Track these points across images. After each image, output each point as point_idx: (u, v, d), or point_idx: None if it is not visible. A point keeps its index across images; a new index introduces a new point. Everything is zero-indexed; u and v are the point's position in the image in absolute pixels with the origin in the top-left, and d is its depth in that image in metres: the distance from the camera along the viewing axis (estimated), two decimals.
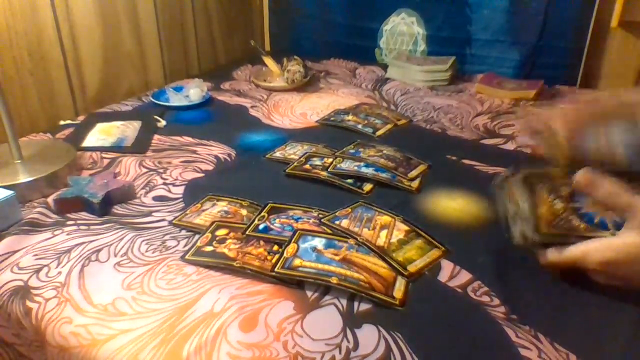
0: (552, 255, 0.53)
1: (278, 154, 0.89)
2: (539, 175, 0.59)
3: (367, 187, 0.76)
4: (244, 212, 0.69)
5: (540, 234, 0.53)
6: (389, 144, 0.90)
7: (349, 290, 0.53)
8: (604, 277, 0.51)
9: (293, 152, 0.89)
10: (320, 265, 0.56)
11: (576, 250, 0.51)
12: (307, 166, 0.82)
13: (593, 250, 0.50)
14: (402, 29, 1.46)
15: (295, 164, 0.83)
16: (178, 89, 1.19)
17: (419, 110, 1.13)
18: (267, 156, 0.88)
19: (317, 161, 0.84)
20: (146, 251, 0.62)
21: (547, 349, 0.47)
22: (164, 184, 0.79)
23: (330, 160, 0.83)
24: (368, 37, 1.51)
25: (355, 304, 0.53)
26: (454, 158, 0.88)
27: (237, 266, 0.57)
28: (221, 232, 0.63)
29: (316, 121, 1.06)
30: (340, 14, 1.52)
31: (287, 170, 0.81)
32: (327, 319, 0.51)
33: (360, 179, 0.78)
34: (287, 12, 1.63)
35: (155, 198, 0.75)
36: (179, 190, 0.77)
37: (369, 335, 0.49)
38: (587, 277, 0.55)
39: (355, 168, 0.80)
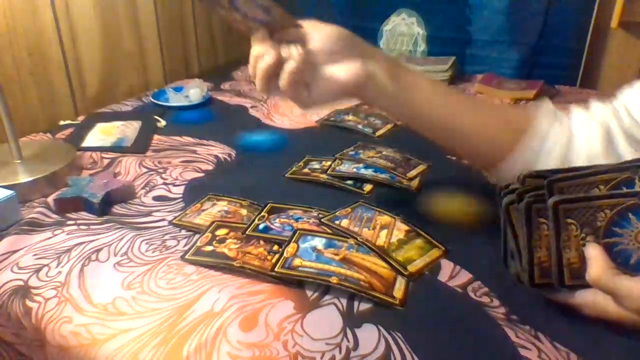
0: (551, 296, 0.51)
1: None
2: (573, 206, 0.45)
3: (368, 187, 0.76)
4: (244, 211, 0.69)
5: (563, 288, 0.46)
6: (389, 145, 0.90)
7: (349, 290, 0.53)
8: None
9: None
10: (320, 265, 0.56)
11: (579, 299, 0.47)
12: (306, 170, 0.82)
13: (592, 306, 0.46)
14: (402, 30, 1.46)
15: (294, 168, 0.83)
16: (178, 89, 1.19)
17: None
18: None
19: (315, 164, 0.84)
20: (146, 251, 0.62)
21: (547, 348, 0.47)
22: (164, 183, 0.79)
23: (329, 163, 0.83)
24: (368, 38, 1.48)
25: (355, 303, 0.53)
26: (454, 158, 0.88)
27: (237, 266, 0.57)
28: (221, 232, 0.63)
29: (316, 121, 1.06)
30: (340, 14, 1.52)
31: (286, 175, 0.81)
32: (327, 319, 0.51)
33: (360, 179, 0.78)
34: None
35: (155, 198, 0.75)
36: (179, 190, 0.77)
37: (369, 335, 0.49)
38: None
39: (355, 170, 0.80)
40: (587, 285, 0.45)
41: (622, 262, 0.45)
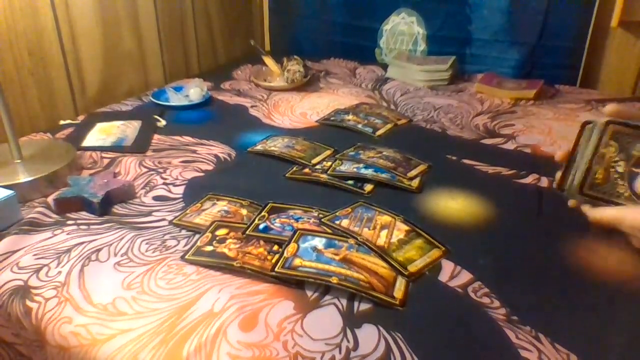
0: (592, 213, 0.54)
1: (259, 147, 0.92)
2: (622, 129, 0.53)
3: (368, 187, 0.76)
4: (244, 211, 0.69)
5: (579, 195, 0.54)
6: (389, 145, 0.90)
7: (349, 290, 0.53)
8: (637, 241, 0.53)
9: (274, 144, 0.91)
10: (320, 265, 0.56)
11: (614, 213, 0.52)
12: (306, 170, 0.82)
13: (629, 213, 0.51)
14: (402, 29, 1.45)
15: (294, 168, 0.83)
16: (178, 89, 1.19)
17: (419, 110, 1.13)
18: (249, 150, 0.91)
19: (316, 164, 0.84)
20: (146, 251, 0.62)
21: (547, 349, 0.47)
22: (164, 183, 0.79)
23: (330, 163, 0.83)
24: (368, 37, 1.51)
25: (355, 303, 0.53)
26: (454, 158, 0.88)
27: (237, 266, 0.57)
28: (221, 232, 0.63)
29: (316, 121, 1.06)
30: (340, 14, 1.52)
31: (286, 175, 0.81)
32: (327, 319, 0.51)
33: (361, 179, 0.78)
34: (287, 12, 1.63)
35: (155, 198, 0.75)
36: (179, 190, 0.77)
37: (369, 335, 0.49)
38: (587, 276, 0.55)
39: (355, 170, 0.80)
40: (599, 199, 0.53)
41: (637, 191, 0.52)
